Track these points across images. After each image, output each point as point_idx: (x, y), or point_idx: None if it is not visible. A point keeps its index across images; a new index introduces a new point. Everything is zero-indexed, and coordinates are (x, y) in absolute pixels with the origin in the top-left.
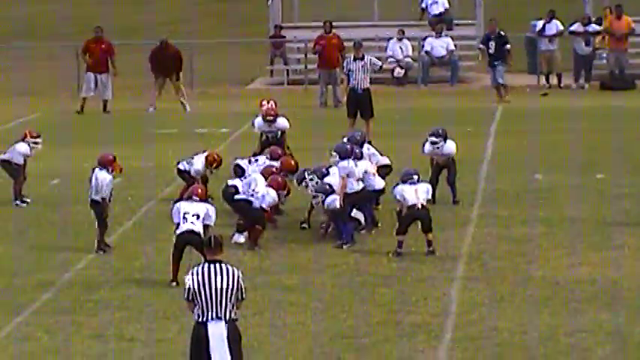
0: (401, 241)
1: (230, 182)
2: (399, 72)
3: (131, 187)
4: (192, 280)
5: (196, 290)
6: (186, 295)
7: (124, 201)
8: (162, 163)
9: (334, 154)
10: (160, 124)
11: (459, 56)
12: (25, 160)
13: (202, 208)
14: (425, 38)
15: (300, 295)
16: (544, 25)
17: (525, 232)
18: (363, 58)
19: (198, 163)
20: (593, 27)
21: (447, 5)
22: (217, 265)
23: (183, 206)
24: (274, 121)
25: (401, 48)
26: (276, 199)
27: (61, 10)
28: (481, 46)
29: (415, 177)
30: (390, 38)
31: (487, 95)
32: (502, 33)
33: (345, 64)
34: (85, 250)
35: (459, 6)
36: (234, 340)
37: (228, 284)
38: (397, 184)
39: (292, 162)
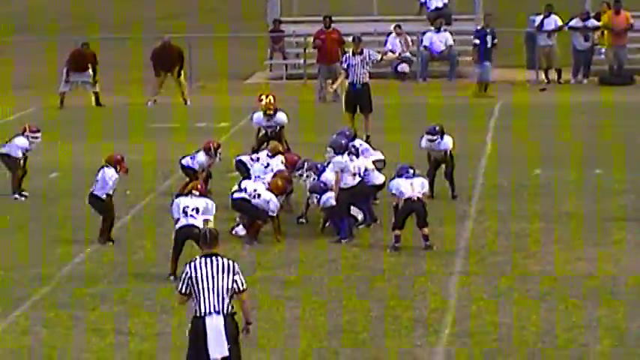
0: (398, 236)
1: (242, 185)
2: (402, 67)
3: (130, 181)
4: (189, 273)
5: (193, 284)
6: (181, 288)
7: (123, 195)
8: (161, 157)
9: (329, 149)
10: (160, 118)
11: (458, 51)
12: (24, 155)
13: (202, 202)
14: (424, 33)
15: (298, 290)
16: (542, 21)
17: (524, 227)
18: (362, 53)
19: (201, 155)
20: (592, 22)
21: (445, 0)
22: (213, 258)
23: (183, 201)
24: (274, 115)
25: (400, 42)
26: (278, 204)
27: (61, 4)
28: (477, 41)
29: (411, 171)
30: (390, 33)
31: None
32: (492, 28)
33: (344, 59)
34: (83, 244)
35: (457, 1)
36: (232, 334)
37: (224, 277)
38: (393, 178)
39: (295, 158)
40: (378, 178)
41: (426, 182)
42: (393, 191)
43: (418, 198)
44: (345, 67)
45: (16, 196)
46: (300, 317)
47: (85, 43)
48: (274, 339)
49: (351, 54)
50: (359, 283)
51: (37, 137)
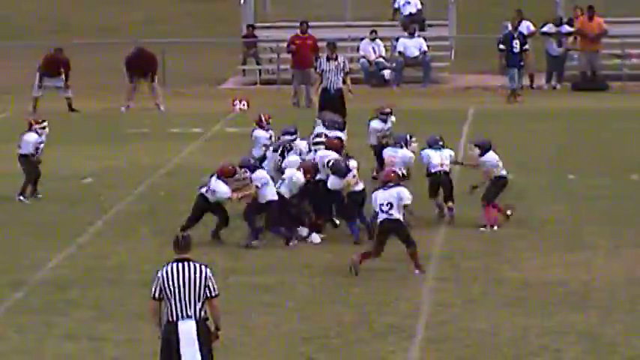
0: (438, 204)
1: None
2: (389, 74)
3: (103, 186)
4: (160, 279)
5: (165, 289)
6: (154, 294)
7: (96, 200)
8: (134, 162)
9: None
10: (133, 123)
11: (432, 57)
12: (36, 149)
13: (393, 193)
14: (398, 39)
15: (273, 295)
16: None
17: (498, 232)
18: (336, 59)
19: (259, 132)
20: (566, 28)
21: (419, 6)
22: (185, 263)
23: (379, 195)
24: (390, 115)
25: (373, 48)
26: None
27: (37, 9)
28: (502, 46)
29: (440, 142)
30: (363, 38)
31: (459, 96)
32: (522, 32)
33: (318, 64)
34: (56, 250)
35: (431, 6)
36: (205, 339)
37: (195, 282)
38: (424, 149)
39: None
40: (358, 185)
41: (452, 153)
42: (424, 160)
43: (445, 172)
44: (320, 72)
45: (20, 198)
46: (274, 322)
47: (59, 48)
48: (248, 344)
49: (325, 59)
50: (333, 288)
51: (44, 127)
